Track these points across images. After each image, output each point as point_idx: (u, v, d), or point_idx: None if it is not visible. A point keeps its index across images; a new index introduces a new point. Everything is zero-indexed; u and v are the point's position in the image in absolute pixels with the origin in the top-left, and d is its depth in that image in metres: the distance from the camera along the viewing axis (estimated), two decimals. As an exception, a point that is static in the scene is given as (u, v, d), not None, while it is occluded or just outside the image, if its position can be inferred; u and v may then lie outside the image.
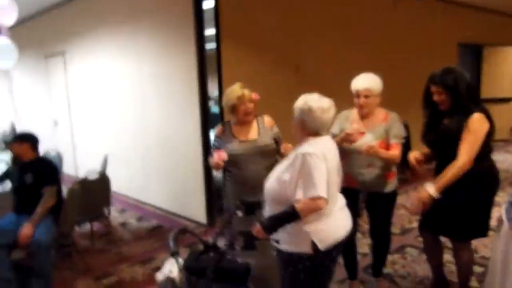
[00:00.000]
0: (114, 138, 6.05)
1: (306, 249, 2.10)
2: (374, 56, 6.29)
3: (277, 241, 2.17)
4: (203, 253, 2.45)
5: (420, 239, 4.17)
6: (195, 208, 4.81)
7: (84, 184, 3.73)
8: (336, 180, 2.24)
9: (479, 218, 2.72)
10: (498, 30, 9.53)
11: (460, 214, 2.67)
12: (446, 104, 2.61)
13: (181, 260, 2.30)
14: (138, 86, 5.41)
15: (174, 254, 2.18)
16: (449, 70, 2.61)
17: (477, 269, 3.51)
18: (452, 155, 2.60)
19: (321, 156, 2.07)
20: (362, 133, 2.86)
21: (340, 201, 2.29)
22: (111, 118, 6.07)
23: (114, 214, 5.17)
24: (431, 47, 7.50)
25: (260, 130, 2.91)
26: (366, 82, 2.85)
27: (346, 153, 2.92)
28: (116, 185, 5.48)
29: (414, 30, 7.14)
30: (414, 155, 2.81)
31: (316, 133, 2.18)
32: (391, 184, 2.96)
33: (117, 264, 3.87)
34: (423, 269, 3.55)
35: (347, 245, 3.04)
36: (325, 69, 5.67)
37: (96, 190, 3.89)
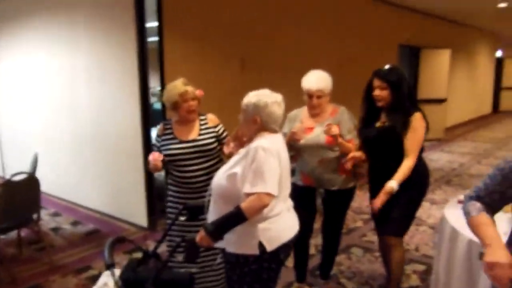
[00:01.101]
0: (44, 135, 5.61)
1: (252, 250, 2.00)
2: (322, 53, 6.33)
3: (223, 249, 2.03)
4: (142, 262, 2.26)
5: (364, 238, 4.24)
6: (135, 210, 4.55)
7: (8, 186, 3.38)
8: (288, 180, 2.15)
9: (412, 214, 2.81)
10: (434, 34, 9.99)
11: (397, 211, 2.72)
12: (385, 101, 2.65)
13: (117, 272, 2.10)
14: (71, 79, 5.02)
15: (110, 267, 1.97)
16: (395, 68, 2.71)
17: (419, 267, 3.58)
18: (387, 154, 2.68)
19: (275, 153, 1.99)
20: (311, 128, 2.85)
21: (289, 202, 2.20)
22: (41, 113, 5.61)
23: (45, 219, 4.79)
24: (374, 47, 7.71)
25: (202, 130, 2.76)
26: (318, 82, 2.80)
27: (298, 153, 2.92)
28: (48, 186, 5.10)
29: (359, 29, 7.27)
30: (353, 154, 2.78)
31: (270, 128, 2.09)
32: (349, 180, 2.93)
33: (48, 274, 3.54)
34: (368, 269, 3.57)
35: (300, 246, 3.01)
36: (272, 66, 5.60)
37: (23, 192, 3.53)
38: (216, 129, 2.81)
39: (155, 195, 4.49)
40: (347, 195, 2.99)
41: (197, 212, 2.51)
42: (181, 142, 2.70)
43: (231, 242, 2.03)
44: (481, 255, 1.39)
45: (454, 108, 11.36)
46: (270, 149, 1.97)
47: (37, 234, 4.03)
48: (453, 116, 11.39)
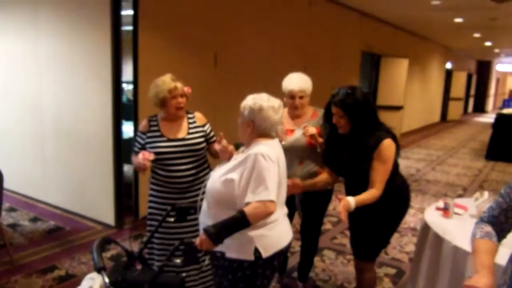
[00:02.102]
0: (1, 125, 5.24)
1: (248, 256, 1.96)
2: (290, 54, 6.38)
3: (223, 253, 1.98)
4: (128, 266, 2.15)
5: (335, 241, 4.30)
6: (101, 208, 4.35)
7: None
8: (285, 186, 2.12)
9: (387, 238, 2.63)
10: (393, 43, 10.36)
11: (371, 235, 2.55)
12: (345, 128, 2.42)
13: (104, 275, 1.98)
14: (34, 67, 4.73)
15: (101, 270, 1.85)
16: (351, 93, 2.37)
17: (390, 270, 3.68)
18: (357, 179, 2.49)
19: (275, 159, 1.96)
20: (292, 130, 2.87)
21: (285, 208, 2.18)
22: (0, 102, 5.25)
23: (2, 214, 4.46)
24: (339, 52, 7.89)
25: (191, 128, 2.68)
26: (300, 83, 2.82)
27: None
28: (5, 180, 4.79)
29: (325, 34, 7.39)
30: (293, 181, 2.55)
31: (265, 134, 2.06)
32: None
33: (9, 275, 3.30)
34: (342, 272, 3.62)
35: None
36: (243, 64, 5.57)
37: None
38: (205, 128, 2.74)
39: (123, 192, 4.32)
40: (325, 197, 3.02)
41: (185, 213, 2.44)
42: (169, 140, 2.61)
43: (225, 246, 1.97)
44: (467, 278, 1.46)
45: (408, 116, 11.83)
46: (270, 156, 1.93)
47: (-5, 231, 3.75)
48: (406, 123, 11.87)
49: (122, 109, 4.23)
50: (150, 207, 2.73)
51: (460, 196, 6.17)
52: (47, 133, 4.73)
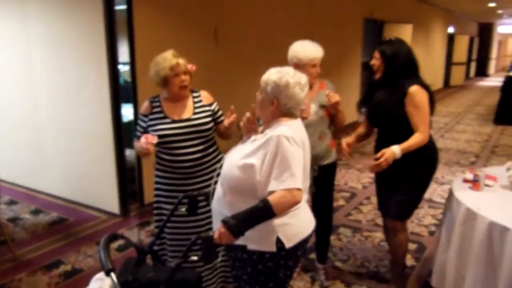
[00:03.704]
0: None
1: (269, 247, 1.78)
2: (293, 27, 6.10)
3: (244, 247, 1.78)
4: (140, 263, 1.96)
5: (350, 217, 4.13)
6: (104, 196, 4.16)
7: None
8: (309, 171, 1.92)
9: (419, 198, 2.69)
10: (396, 8, 10.00)
11: (404, 194, 2.60)
12: (378, 72, 2.57)
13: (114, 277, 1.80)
14: (25, 50, 4.46)
15: (109, 272, 1.65)
16: (393, 42, 2.58)
17: (411, 245, 3.50)
18: (389, 129, 2.58)
19: (299, 141, 1.75)
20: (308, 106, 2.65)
21: (306, 194, 1.98)
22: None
23: (1, 208, 4.29)
24: (341, 20, 7.61)
25: (196, 108, 2.46)
26: (318, 49, 2.66)
27: None
28: (1, 171, 4.60)
29: (327, 2, 7.10)
30: (346, 141, 2.71)
31: (289, 113, 1.84)
32: (334, 153, 2.86)
33: (12, 272, 3.13)
34: (361, 250, 3.46)
35: None
36: (246, 39, 5.31)
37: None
38: (212, 108, 2.52)
39: (126, 178, 4.12)
40: (334, 169, 2.92)
41: (197, 203, 2.25)
42: (174, 121, 2.39)
43: (245, 237, 1.76)
44: None
45: (412, 83, 11.53)
46: (294, 138, 1.73)
47: (-6, 227, 3.57)
48: (411, 91, 11.58)
49: (120, 91, 4.00)
50: (156, 195, 2.53)
51: (472, 163, 5.99)
52: (42, 120, 4.50)
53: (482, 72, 21.50)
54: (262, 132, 1.86)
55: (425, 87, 2.51)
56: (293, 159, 1.68)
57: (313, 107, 2.64)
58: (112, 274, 1.65)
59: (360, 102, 2.78)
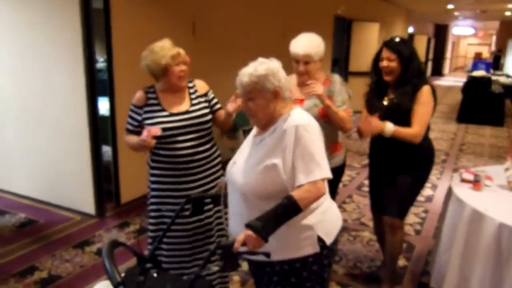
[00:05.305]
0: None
1: (312, 248, 1.68)
2: (268, 23, 6.02)
3: (268, 254, 1.65)
4: (143, 271, 1.79)
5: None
6: (79, 195, 3.89)
7: None
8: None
9: (415, 196, 2.70)
10: (364, 7, 10.10)
11: (402, 192, 2.60)
12: (393, 74, 2.48)
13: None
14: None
15: (119, 286, 1.48)
16: (407, 42, 2.56)
17: (400, 245, 3.49)
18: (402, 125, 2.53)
19: (316, 127, 1.66)
20: (301, 100, 2.54)
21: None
22: None
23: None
24: (313, 18, 7.60)
25: (193, 99, 2.32)
26: (307, 46, 2.47)
27: None
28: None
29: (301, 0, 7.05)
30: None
31: (287, 99, 1.73)
32: (338, 158, 2.69)
33: (-19, 281, 2.85)
34: (351, 251, 3.41)
35: None
36: (222, 33, 5.15)
37: None
38: (208, 97, 2.38)
39: (102, 176, 3.87)
40: (336, 174, 2.73)
41: (203, 204, 2.10)
42: (172, 114, 2.23)
43: (276, 248, 1.61)
44: None
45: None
46: (310, 125, 1.64)
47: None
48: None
49: (96, 82, 3.74)
50: (153, 196, 2.34)
51: (444, 161, 6.13)
52: (8, 114, 4.14)
53: (438, 71, 22.32)
54: (261, 132, 1.74)
55: (433, 89, 2.54)
56: (314, 148, 1.59)
57: (308, 104, 2.50)
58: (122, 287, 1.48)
59: (371, 106, 2.63)
